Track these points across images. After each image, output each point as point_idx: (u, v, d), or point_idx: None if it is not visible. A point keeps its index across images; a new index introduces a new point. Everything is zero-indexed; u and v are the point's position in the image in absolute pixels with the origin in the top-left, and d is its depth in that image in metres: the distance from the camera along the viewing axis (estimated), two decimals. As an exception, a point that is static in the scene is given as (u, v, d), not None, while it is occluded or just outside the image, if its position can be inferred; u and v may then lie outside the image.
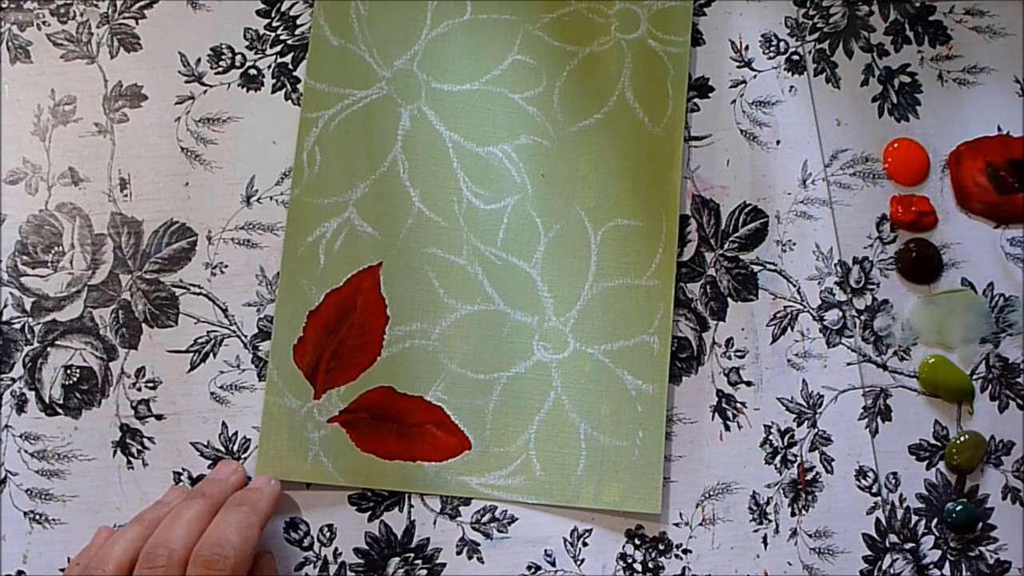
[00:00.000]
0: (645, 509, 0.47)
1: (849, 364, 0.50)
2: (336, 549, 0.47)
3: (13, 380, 0.47)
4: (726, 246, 0.50)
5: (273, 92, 0.49)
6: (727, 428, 0.49)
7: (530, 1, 0.50)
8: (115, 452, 0.47)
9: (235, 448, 0.47)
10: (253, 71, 0.49)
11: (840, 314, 0.50)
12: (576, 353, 0.48)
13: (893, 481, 0.49)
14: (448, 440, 0.47)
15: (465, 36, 0.49)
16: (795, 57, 0.51)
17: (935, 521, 0.49)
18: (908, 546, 0.49)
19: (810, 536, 0.49)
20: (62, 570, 0.46)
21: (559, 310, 0.48)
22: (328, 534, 0.47)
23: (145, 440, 0.47)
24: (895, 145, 0.51)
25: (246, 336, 0.47)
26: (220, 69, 0.49)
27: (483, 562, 0.47)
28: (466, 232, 0.48)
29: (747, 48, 0.51)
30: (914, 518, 0.49)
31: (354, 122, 0.48)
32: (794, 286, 0.50)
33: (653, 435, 0.47)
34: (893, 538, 0.49)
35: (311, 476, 0.46)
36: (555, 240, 0.49)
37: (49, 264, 0.47)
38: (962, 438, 0.49)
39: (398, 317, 0.47)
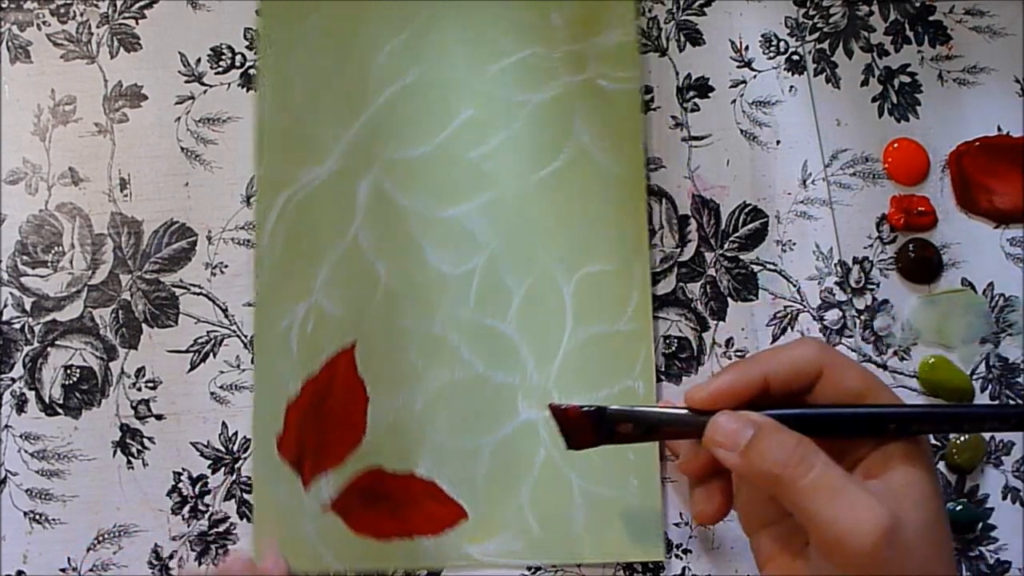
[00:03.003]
0: (648, 557, 0.46)
1: (849, 364, 0.50)
2: None
3: (13, 380, 0.47)
4: (726, 246, 0.50)
5: (273, 92, 0.49)
6: (727, 428, 0.49)
7: (474, 54, 0.49)
8: (115, 452, 0.47)
9: (235, 448, 0.47)
10: (253, 71, 0.49)
11: (840, 314, 0.50)
12: None
13: (893, 481, 0.49)
14: (443, 511, 0.46)
15: (412, 99, 0.49)
16: (795, 57, 0.51)
17: (935, 521, 0.49)
18: (908, 546, 0.49)
19: (810, 536, 0.49)
20: (62, 570, 0.46)
21: (540, 365, 0.47)
22: None
23: (145, 440, 0.47)
24: (895, 145, 0.51)
25: (246, 336, 0.47)
26: (220, 69, 0.49)
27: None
28: (437, 300, 0.47)
29: (747, 48, 0.51)
30: (914, 518, 0.49)
31: (312, 201, 0.48)
32: (794, 286, 0.50)
33: (648, 481, 0.46)
34: (893, 538, 0.49)
35: (310, 568, 0.45)
36: (528, 295, 0.48)
37: (49, 264, 0.47)
38: (962, 438, 0.49)
39: (378, 395, 0.47)
